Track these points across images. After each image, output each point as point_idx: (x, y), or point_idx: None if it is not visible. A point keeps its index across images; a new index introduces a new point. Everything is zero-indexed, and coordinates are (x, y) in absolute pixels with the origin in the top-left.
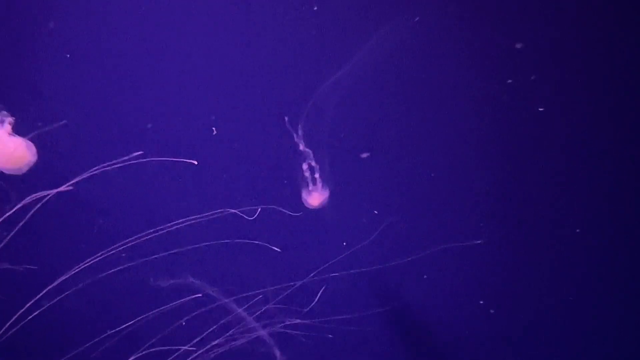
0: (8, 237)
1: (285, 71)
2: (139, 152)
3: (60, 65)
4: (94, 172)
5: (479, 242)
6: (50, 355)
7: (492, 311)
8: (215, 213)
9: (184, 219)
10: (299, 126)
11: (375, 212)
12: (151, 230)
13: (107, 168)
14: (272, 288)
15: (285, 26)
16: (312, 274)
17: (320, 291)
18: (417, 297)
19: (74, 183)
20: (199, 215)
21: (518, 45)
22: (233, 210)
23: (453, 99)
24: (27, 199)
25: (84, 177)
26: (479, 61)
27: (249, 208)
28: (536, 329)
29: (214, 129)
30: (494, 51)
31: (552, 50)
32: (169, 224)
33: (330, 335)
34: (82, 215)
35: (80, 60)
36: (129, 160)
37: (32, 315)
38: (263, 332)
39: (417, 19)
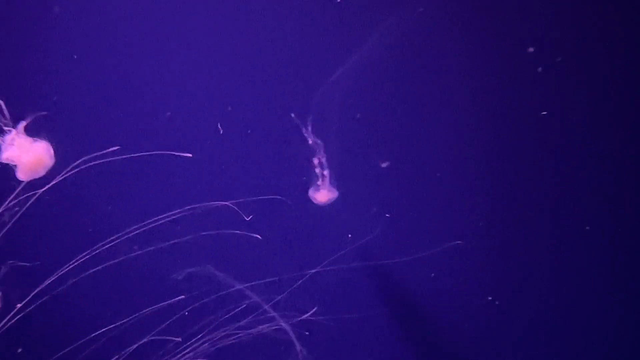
0: (4, 231)
1: (295, 65)
2: (115, 146)
3: (67, 60)
4: (93, 165)
5: (485, 240)
6: (51, 350)
7: (497, 302)
8: (215, 205)
9: (190, 210)
10: (309, 120)
11: (388, 215)
12: (158, 217)
13: (111, 161)
14: (272, 279)
15: (298, 18)
16: (313, 270)
17: (320, 290)
18: (424, 294)
19: (71, 176)
20: (199, 205)
21: (530, 49)
22: (226, 203)
23: (459, 97)
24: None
25: (82, 169)
26: (482, 61)
27: (246, 199)
28: (545, 325)
29: (219, 126)
30: (498, 50)
31: (557, 53)
32: (174, 215)
33: (332, 332)
34: (80, 210)
35: (84, 58)
36: (137, 153)
37: (31, 307)
38: (264, 327)
39: (420, 9)
